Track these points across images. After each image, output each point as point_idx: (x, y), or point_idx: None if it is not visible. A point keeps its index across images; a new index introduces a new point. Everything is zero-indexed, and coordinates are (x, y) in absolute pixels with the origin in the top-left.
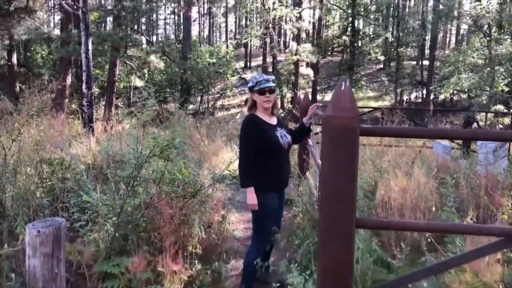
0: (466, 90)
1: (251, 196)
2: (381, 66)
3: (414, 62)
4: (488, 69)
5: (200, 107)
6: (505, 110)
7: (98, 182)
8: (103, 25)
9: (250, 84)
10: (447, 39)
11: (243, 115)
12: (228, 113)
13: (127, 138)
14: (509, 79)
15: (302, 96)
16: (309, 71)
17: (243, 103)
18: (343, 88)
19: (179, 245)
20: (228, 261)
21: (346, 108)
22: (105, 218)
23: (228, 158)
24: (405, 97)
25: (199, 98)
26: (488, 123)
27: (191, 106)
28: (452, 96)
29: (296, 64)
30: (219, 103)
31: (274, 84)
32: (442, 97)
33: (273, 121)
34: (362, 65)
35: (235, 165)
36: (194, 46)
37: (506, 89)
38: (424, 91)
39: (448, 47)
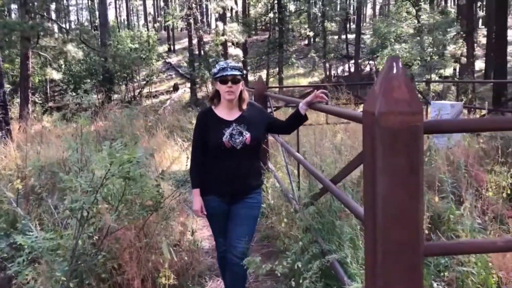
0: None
1: (194, 200)
2: (306, 42)
3: (337, 37)
4: (418, 38)
5: (126, 96)
6: (437, 78)
7: (30, 204)
8: (7, 13)
9: (214, 71)
10: (365, 11)
11: (172, 102)
12: (157, 100)
13: (60, 144)
14: (437, 48)
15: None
16: (238, 52)
17: (171, 89)
18: (395, 71)
19: (149, 279)
20: (205, 284)
21: (405, 100)
22: (51, 265)
23: (173, 154)
24: (332, 72)
25: (123, 87)
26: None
27: (115, 96)
28: (376, 68)
29: (224, 45)
30: (145, 90)
31: (239, 73)
32: (367, 69)
33: (232, 116)
34: (291, 42)
35: (181, 160)
36: (113, 32)
37: (436, 57)
38: (351, 65)
39: (365, 19)
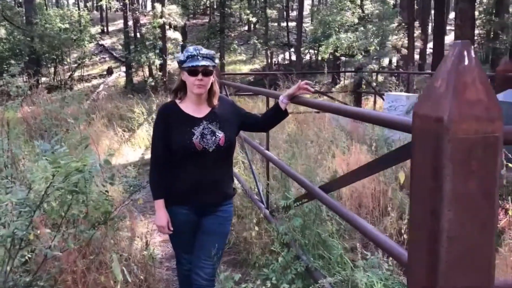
0: (337, 49)
1: (158, 214)
2: (247, 28)
3: (276, 24)
4: (362, 28)
5: (55, 80)
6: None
7: None
8: None
9: (180, 58)
10: None
11: (106, 87)
12: (89, 84)
13: None
14: (378, 38)
15: None
16: (177, 35)
17: (105, 73)
18: (466, 62)
19: None
20: None
21: (482, 102)
22: None
23: (112, 145)
24: (274, 60)
25: (52, 70)
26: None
27: (43, 79)
28: (316, 57)
29: (163, 27)
30: (77, 73)
31: (212, 64)
32: (307, 58)
33: (201, 112)
34: (233, 28)
35: (122, 152)
36: (40, 10)
37: (378, 47)
38: (292, 53)
39: (303, 7)
